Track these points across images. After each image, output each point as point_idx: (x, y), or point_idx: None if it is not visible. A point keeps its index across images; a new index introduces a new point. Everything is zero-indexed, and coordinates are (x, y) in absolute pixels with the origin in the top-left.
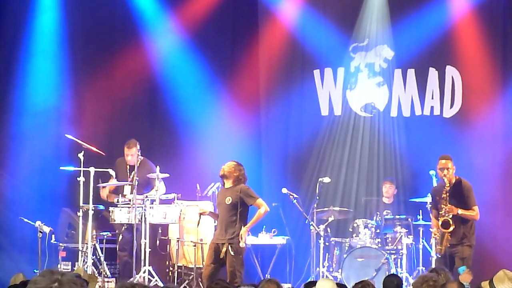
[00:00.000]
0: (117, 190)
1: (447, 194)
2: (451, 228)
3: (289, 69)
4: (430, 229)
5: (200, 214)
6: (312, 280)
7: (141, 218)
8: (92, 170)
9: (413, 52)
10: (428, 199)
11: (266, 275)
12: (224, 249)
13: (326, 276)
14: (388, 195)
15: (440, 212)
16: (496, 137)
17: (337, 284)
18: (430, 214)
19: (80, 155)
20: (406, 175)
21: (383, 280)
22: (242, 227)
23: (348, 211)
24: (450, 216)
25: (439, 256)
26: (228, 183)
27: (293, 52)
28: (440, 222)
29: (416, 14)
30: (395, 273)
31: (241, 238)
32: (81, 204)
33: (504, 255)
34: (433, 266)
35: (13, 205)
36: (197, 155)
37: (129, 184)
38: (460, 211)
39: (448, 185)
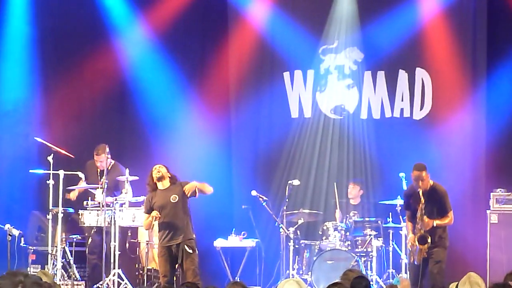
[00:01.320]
0: (87, 192)
1: (423, 206)
2: (427, 244)
3: (259, 71)
4: (400, 231)
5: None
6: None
7: (111, 220)
8: (61, 173)
9: (383, 54)
10: (398, 201)
11: (236, 278)
12: (180, 249)
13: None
14: (352, 195)
15: (416, 226)
16: (465, 138)
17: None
18: (403, 217)
19: (50, 158)
20: (376, 177)
21: (351, 282)
22: (189, 222)
23: (317, 214)
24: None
25: (416, 264)
26: (166, 184)
27: (263, 54)
28: (416, 238)
29: (386, 16)
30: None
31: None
32: (50, 207)
33: (471, 255)
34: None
35: None
36: (167, 157)
37: (100, 187)
38: (435, 223)
39: (422, 199)
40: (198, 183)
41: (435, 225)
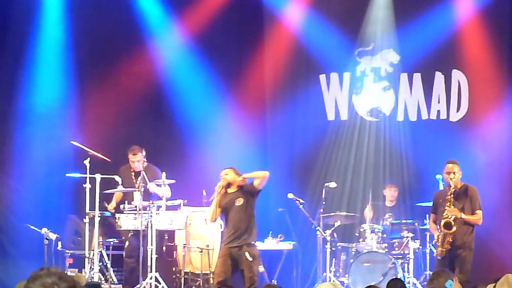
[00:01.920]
0: (124, 199)
1: (451, 196)
2: (454, 229)
3: (294, 74)
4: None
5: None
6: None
7: (148, 224)
8: (98, 176)
9: (419, 56)
10: None
11: (273, 281)
12: (241, 254)
13: (333, 281)
14: (390, 197)
15: (443, 214)
16: (502, 140)
17: None
18: (428, 219)
19: (86, 162)
20: (413, 180)
21: (386, 284)
22: (253, 227)
23: (354, 216)
24: (453, 218)
25: (439, 259)
26: (232, 188)
27: (299, 57)
28: (442, 223)
29: (422, 18)
30: (401, 277)
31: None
32: (87, 210)
33: (508, 258)
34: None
35: (19, 212)
36: (203, 160)
37: (137, 191)
38: (463, 215)
39: (453, 187)
40: (250, 174)
41: (463, 217)
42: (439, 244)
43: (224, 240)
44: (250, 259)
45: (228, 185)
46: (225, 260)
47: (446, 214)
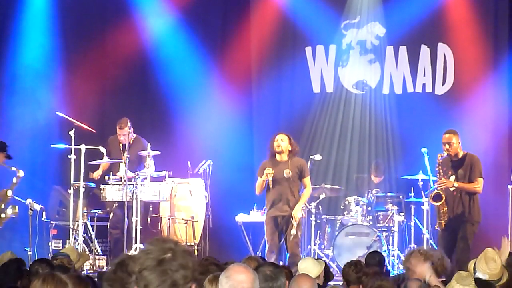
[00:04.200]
0: (110, 169)
1: (440, 167)
2: (441, 201)
3: (280, 46)
4: (422, 206)
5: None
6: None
7: (132, 195)
8: (83, 147)
9: (405, 29)
10: (420, 176)
11: (257, 253)
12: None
13: (318, 254)
14: (376, 182)
15: (435, 184)
16: (488, 113)
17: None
18: (424, 192)
19: (71, 133)
20: (398, 152)
21: (365, 257)
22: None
23: (339, 189)
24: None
25: (440, 230)
26: (283, 157)
27: (285, 29)
28: (431, 195)
29: None
30: (386, 250)
31: (296, 219)
32: (72, 182)
33: (493, 230)
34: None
35: (4, 183)
36: (188, 132)
37: (122, 162)
38: (456, 184)
39: (452, 159)
40: (302, 201)
41: (456, 185)
42: (437, 216)
43: (268, 207)
44: (294, 232)
45: (278, 152)
46: (271, 227)
47: (437, 186)
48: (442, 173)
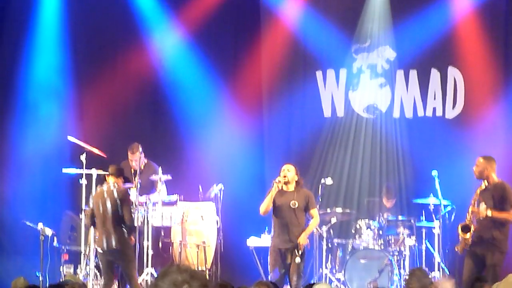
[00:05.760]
0: None
1: (477, 197)
2: (467, 235)
3: (291, 70)
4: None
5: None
6: (313, 282)
7: (144, 220)
8: (94, 172)
9: (415, 53)
10: (431, 200)
11: (269, 277)
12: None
13: (329, 278)
14: (387, 205)
15: (467, 216)
16: (498, 137)
17: None
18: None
19: (82, 158)
20: (409, 176)
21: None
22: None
23: (350, 213)
24: (474, 219)
25: (465, 255)
26: (289, 187)
27: (296, 53)
28: (460, 226)
29: (418, 15)
30: (397, 274)
31: (301, 247)
32: (83, 206)
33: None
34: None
35: (15, 208)
36: (199, 156)
37: (134, 187)
38: (490, 213)
39: (483, 186)
40: (308, 231)
41: (489, 214)
42: (460, 241)
43: (273, 238)
44: (298, 260)
45: (285, 183)
46: (274, 258)
47: (469, 217)
48: (474, 202)
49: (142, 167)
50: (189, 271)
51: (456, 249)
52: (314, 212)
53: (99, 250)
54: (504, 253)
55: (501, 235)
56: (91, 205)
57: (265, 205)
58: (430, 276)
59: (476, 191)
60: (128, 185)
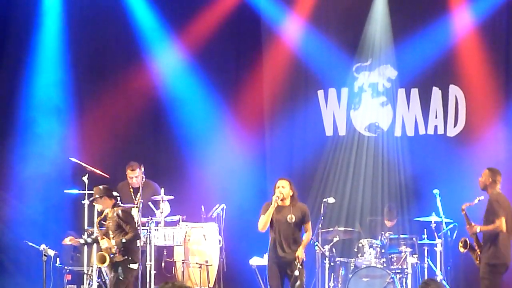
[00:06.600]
0: None
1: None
2: (464, 250)
3: (293, 89)
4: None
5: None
6: None
7: (146, 240)
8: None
9: (417, 71)
10: (433, 218)
11: None
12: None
13: None
14: (389, 224)
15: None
16: (499, 155)
17: None
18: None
19: (85, 178)
20: (410, 194)
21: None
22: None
23: (352, 231)
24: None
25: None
26: (286, 202)
27: (297, 73)
28: (460, 243)
29: (419, 33)
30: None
31: (299, 260)
32: (85, 227)
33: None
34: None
35: (18, 228)
36: (201, 176)
37: (136, 207)
38: (478, 229)
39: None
40: (304, 244)
41: (478, 231)
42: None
43: (270, 252)
44: (297, 273)
45: (281, 199)
46: (273, 271)
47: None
48: (466, 219)
49: (142, 186)
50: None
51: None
52: (309, 225)
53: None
54: (492, 265)
55: (490, 248)
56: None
57: (264, 222)
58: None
59: (461, 206)
60: (128, 205)
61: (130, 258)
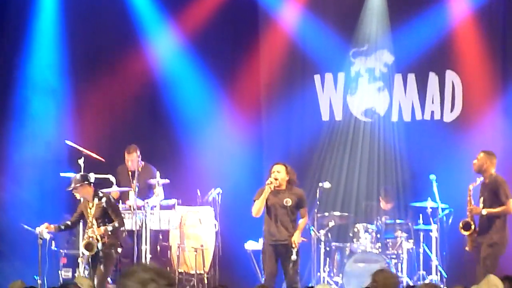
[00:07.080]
0: (120, 198)
1: (471, 192)
2: (470, 231)
3: (289, 74)
4: (430, 233)
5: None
6: (312, 285)
7: (142, 224)
8: (92, 176)
9: (413, 56)
10: (429, 203)
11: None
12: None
13: (327, 282)
14: (384, 207)
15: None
16: (496, 140)
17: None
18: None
19: (80, 162)
20: (407, 179)
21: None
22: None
23: (348, 216)
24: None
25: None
26: (282, 186)
27: (294, 57)
28: (461, 224)
29: (416, 19)
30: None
31: (296, 245)
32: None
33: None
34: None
35: (14, 212)
36: (197, 160)
37: (132, 190)
38: (485, 211)
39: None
40: (300, 229)
41: (484, 213)
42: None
43: (266, 235)
44: (295, 257)
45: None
46: (268, 255)
47: (468, 213)
48: (469, 199)
49: (140, 170)
50: (155, 270)
51: (466, 249)
52: (305, 211)
53: None
54: (494, 245)
55: (492, 228)
56: None
57: (258, 207)
58: None
59: (468, 186)
60: (125, 188)
61: (119, 243)
